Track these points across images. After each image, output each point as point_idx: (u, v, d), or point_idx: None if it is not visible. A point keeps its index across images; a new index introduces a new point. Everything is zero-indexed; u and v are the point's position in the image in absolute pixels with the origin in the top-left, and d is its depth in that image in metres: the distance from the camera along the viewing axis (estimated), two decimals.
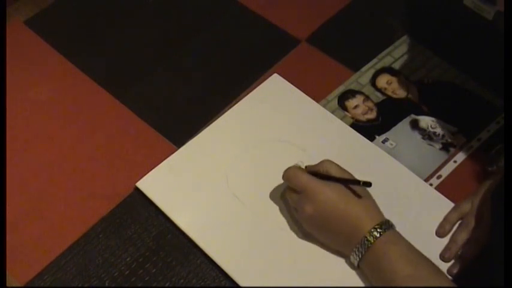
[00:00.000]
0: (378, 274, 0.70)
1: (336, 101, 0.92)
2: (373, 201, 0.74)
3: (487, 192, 0.78)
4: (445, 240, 0.78)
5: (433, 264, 0.70)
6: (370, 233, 0.70)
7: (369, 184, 0.72)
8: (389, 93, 0.93)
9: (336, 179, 0.74)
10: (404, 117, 0.90)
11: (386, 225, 0.71)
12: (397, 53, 0.97)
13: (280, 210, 0.80)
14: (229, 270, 0.76)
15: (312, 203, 0.73)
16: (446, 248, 0.77)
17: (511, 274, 0.60)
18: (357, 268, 0.74)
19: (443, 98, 0.92)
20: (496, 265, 0.65)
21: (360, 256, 0.71)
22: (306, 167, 0.78)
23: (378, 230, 0.70)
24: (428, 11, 1.02)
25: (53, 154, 0.86)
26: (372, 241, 0.70)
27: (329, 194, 0.73)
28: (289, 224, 0.79)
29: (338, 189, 0.73)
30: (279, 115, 0.89)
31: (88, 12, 1.03)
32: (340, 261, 0.76)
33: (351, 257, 0.73)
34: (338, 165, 0.76)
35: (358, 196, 0.73)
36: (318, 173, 0.75)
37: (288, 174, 0.76)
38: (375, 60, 0.96)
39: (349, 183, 0.74)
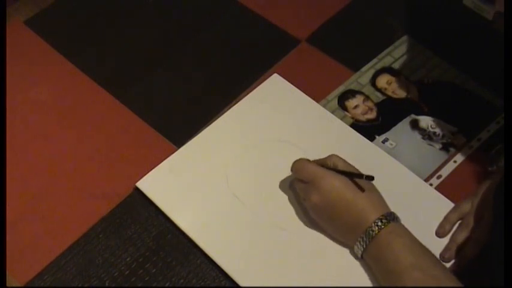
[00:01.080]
0: (381, 264, 0.71)
1: (336, 101, 0.92)
2: (379, 194, 0.75)
3: (487, 192, 0.78)
4: (445, 240, 0.78)
5: (435, 257, 0.70)
6: (375, 223, 0.71)
7: (371, 178, 0.73)
8: (389, 93, 0.93)
9: (341, 172, 0.75)
10: (404, 117, 0.90)
11: (390, 217, 0.72)
12: (397, 53, 0.97)
13: (281, 210, 0.80)
14: (229, 270, 0.76)
15: (318, 192, 0.74)
16: (446, 248, 0.77)
17: (511, 274, 0.60)
18: (360, 259, 0.74)
19: (443, 98, 0.92)
20: (496, 265, 0.65)
21: (364, 246, 0.72)
22: (314, 160, 0.78)
23: (383, 220, 0.71)
24: (428, 11, 1.02)
25: (53, 154, 0.86)
26: (376, 231, 0.71)
27: (335, 184, 0.74)
28: (290, 224, 0.79)
29: (344, 180, 0.74)
30: (279, 115, 0.89)
31: (88, 12, 1.03)
32: (341, 260, 0.76)
33: (355, 247, 0.73)
34: (345, 161, 0.77)
35: (362, 189, 0.74)
36: (326, 166, 0.77)
37: (296, 165, 0.77)
38: (375, 60, 0.96)
39: (353, 176, 0.75)
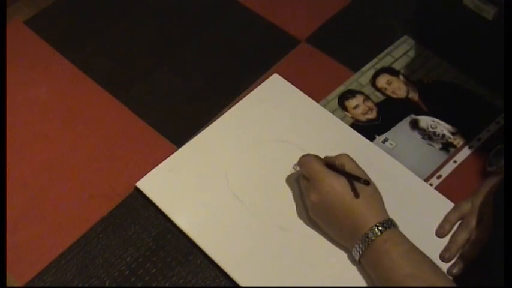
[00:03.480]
0: (378, 271, 0.70)
1: (336, 101, 0.92)
2: (380, 199, 0.75)
3: (487, 192, 0.78)
4: (445, 240, 0.78)
5: (435, 265, 0.70)
6: (372, 230, 0.71)
7: (366, 183, 0.72)
8: (389, 93, 0.93)
9: (341, 173, 0.75)
10: (404, 117, 0.90)
11: (388, 224, 0.71)
12: (397, 53, 0.97)
13: (281, 209, 0.80)
14: (229, 270, 0.76)
15: (317, 192, 0.74)
16: (446, 249, 0.77)
17: (511, 274, 0.60)
18: (358, 263, 0.74)
19: (443, 98, 0.92)
20: (496, 265, 0.65)
21: (361, 252, 0.72)
22: (325, 157, 0.78)
23: (380, 228, 0.71)
24: (428, 11, 1.02)
25: (53, 154, 0.86)
26: (373, 238, 0.70)
27: (334, 186, 0.73)
28: (290, 224, 0.79)
29: (345, 183, 0.74)
30: (279, 115, 0.89)
31: (88, 12, 1.03)
32: (340, 261, 0.76)
33: (352, 251, 0.73)
34: (354, 162, 0.76)
35: (356, 195, 0.73)
36: (333, 165, 0.76)
37: (301, 160, 0.78)
38: (375, 60, 0.96)
39: (352, 179, 0.74)
